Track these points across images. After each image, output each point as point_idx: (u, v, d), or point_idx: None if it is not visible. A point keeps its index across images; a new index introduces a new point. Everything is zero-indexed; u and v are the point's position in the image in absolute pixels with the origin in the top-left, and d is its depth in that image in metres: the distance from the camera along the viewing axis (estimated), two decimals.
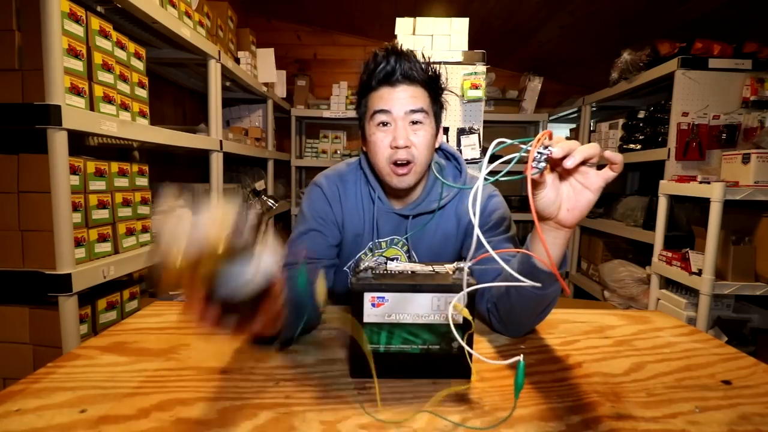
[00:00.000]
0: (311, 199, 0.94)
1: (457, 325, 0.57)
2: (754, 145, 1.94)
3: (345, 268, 0.96)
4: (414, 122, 0.83)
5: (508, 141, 0.51)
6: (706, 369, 0.64)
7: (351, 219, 0.93)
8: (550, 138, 0.54)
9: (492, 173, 0.49)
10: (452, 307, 0.52)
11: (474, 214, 0.46)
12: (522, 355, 0.44)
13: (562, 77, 3.62)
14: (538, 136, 0.52)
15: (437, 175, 0.86)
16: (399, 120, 0.82)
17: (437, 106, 0.89)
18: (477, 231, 0.44)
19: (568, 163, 0.52)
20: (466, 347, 0.48)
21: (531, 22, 2.85)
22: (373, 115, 0.84)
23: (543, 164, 0.53)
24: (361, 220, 0.93)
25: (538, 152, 0.52)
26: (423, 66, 0.84)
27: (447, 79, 0.90)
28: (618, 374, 0.62)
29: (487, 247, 0.45)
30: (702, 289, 1.70)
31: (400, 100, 0.82)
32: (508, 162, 0.52)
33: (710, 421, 0.50)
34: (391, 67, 0.82)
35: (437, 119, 0.89)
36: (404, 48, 0.84)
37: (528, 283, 0.48)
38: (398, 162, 0.83)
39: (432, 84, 0.86)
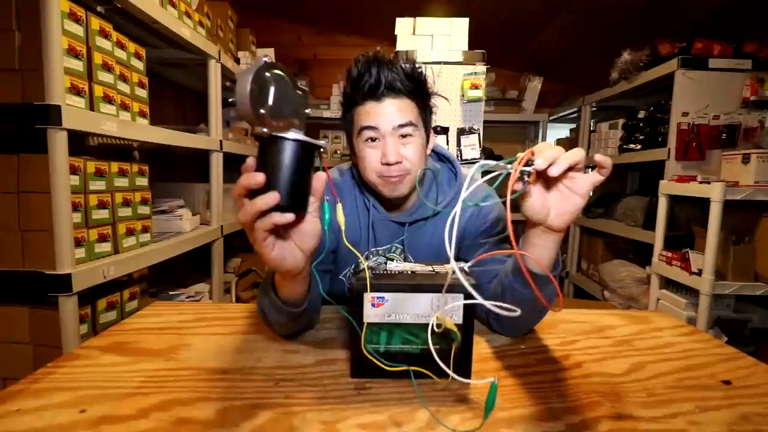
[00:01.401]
0: None
1: (456, 325, 0.57)
2: (754, 145, 1.94)
3: (341, 277, 0.94)
4: (403, 135, 0.81)
5: (492, 162, 0.51)
6: (706, 369, 0.64)
7: (348, 227, 0.90)
8: (533, 155, 0.53)
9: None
10: (435, 318, 0.52)
11: (450, 246, 0.46)
12: (496, 378, 0.45)
13: (562, 77, 3.61)
14: (521, 156, 0.52)
15: (419, 191, 0.84)
16: (387, 135, 0.80)
17: (426, 113, 0.87)
18: (453, 264, 0.45)
19: (553, 172, 0.52)
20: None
21: (531, 22, 2.85)
22: (360, 132, 0.82)
23: (525, 181, 0.53)
24: (357, 229, 0.91)
25: (521, 172, 0.52)
26: (407, 73, 0.81)
27: (434, 81, 0.88)
28: (618, 374, 0.62)
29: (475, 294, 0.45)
30: (702, 289, 1.70)
31: (387, 115, 0.79)
32: (494, 179, 0.52)
33: (710, 421, 0.50)
34: (375, 79, 0.79)
35: (427, 126, 0.87)
36: (385, 56, 0.81)
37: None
38: (390, 175, 0.82)
39: (419, 92, 0.83)
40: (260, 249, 0.52)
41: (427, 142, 0.87)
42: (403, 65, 0.81)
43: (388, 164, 0.79)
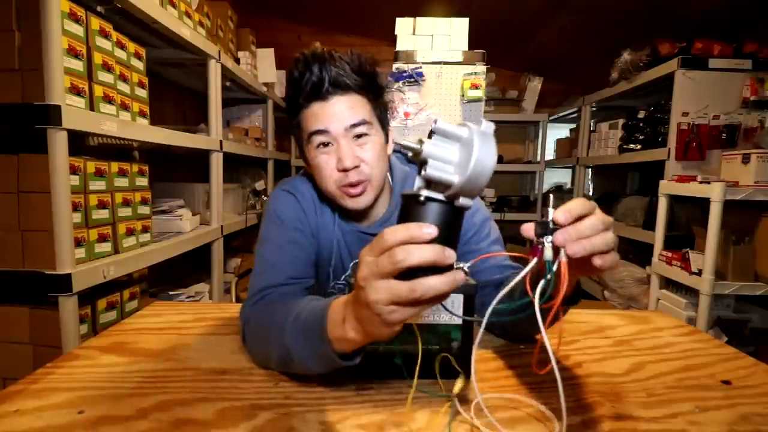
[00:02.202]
0: (284, 203, 0.79)
1: (456, 326, 0.58)
2: (754, 145, 1.94)
3: (330, 289, 0.85)
4: (358, 135, 0.72)
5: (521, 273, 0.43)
6: (706, 369, 0.64)
7: (325, 235, 0.81)
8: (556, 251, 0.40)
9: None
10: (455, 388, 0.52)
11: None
12: None
13: (562, 77, 3.62)
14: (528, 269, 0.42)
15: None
16: (340, 138, 0.70)
17: (380, 109, 0.77)
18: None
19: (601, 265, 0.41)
20: None
21: (531, 22, 2.85)
22: (309, 138, 0.72)
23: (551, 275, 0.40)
24: (331, 240, 0.81)
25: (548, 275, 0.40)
26: (354, 67, 0.71)
27: (382, 73, 0.78)
28: (618, 374, 0.62)
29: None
30: (702, 289, 1.70)
31: (337, 114, 0.70)
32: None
33: (710, 421, 0.50)
34: (317, 77, 0.69)
35: (384, 125, 0.77)
36: (327, 51, 0.71)
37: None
38: (351, 184, 0.72)
39: (369, 87, 0.74)
40: (400, 327, 0.42)
41: (386, 141, 0.78)
42: (348, 59, 0.71)
43: (345, 170, 0.71)
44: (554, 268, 0.39)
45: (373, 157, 0.72)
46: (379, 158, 0.74)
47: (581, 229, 0.40)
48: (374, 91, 0.76)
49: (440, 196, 0.39)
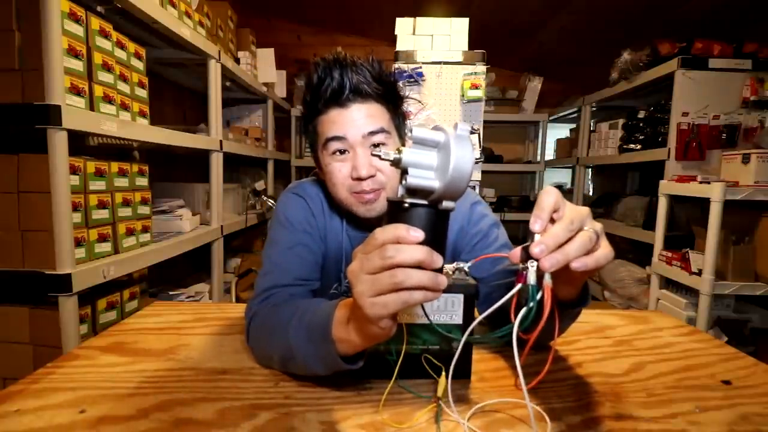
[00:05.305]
0: (292, 206, 0.79)
1: (456, 326, 0.58)
2: (754, 145, 1.94)
3: (333, 290, 0.85)
4: (375, 145, 0.71)
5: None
6: (706, 369, 0.64)
7: (333, 239, 0.81)
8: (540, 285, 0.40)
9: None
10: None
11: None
12: None
13: (562, 77, 3.62)
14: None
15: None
16: (357, 146, 0.70)
17: (399, 119, 0.77)
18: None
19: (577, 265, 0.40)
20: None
21: (531, 22, 2.85)
22: (326, 144, 0.71)
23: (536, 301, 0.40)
24: (338, 244, 0.81)
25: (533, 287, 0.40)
26: (375, 74, 0.71)
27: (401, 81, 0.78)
28: (618, 374, 0.62)
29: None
30: (702, 289, 1.70)
31: (355, 122, 0.70)
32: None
33: (710, 421, 0.50)
34: (338, 83, 0.69)
35: (401, 134, 0.77)
36: (349, 57, 0.71)
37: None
38: (364, 191, 0.72)
39: (389, 95, 0.74)
40: (388, 326, 0.42)
41: None
42: (369, 66, 0.71)
43: (359, 179, 0.70)
44: (538, 296, 0.40)
45: (389, 167, 0.71)
46: (394, 168, 0.74)
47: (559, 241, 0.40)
48: (394, 100, 0.75)
49: (424, 201, 0.40)
